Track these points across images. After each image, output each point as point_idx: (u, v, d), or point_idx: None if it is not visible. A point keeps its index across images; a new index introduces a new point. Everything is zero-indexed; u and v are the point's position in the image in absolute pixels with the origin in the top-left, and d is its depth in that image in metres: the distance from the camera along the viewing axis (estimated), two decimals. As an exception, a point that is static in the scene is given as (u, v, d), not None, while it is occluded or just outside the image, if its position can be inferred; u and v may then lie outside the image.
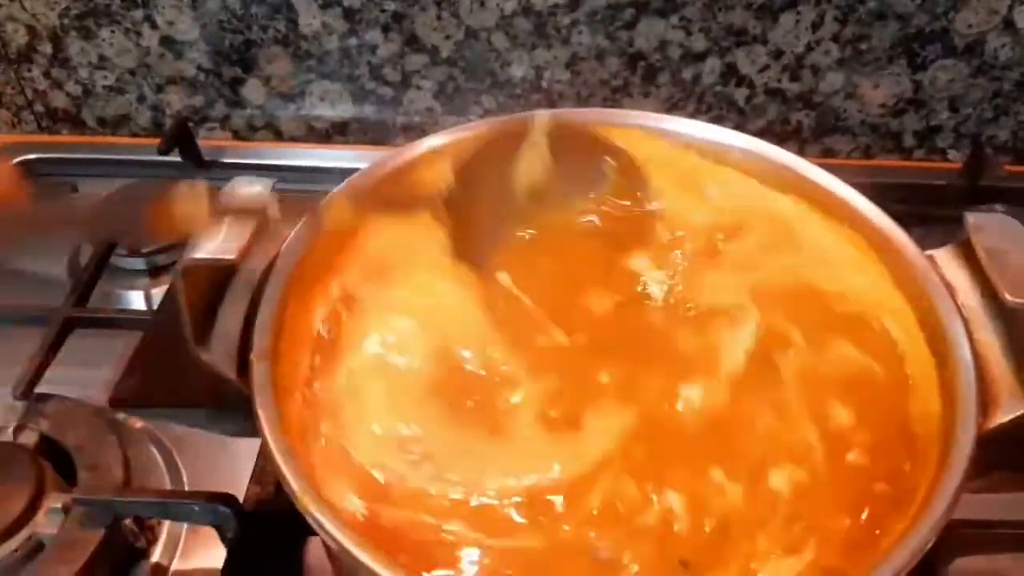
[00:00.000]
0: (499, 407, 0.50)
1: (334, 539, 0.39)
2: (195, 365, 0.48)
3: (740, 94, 0.99)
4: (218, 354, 0.46)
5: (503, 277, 0.58)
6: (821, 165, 0.59)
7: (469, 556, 0.44)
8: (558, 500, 0.46)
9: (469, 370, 0.52)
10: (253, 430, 0.46)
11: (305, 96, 1.00)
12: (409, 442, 0.48)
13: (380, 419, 0.48)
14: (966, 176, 0.97)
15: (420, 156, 0.59)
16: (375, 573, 0.38)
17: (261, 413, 0.43)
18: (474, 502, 0.45)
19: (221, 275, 0.47)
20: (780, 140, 0.87)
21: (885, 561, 0.40)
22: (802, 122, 1.01)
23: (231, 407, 0.49)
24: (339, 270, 0.55)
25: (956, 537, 0.60)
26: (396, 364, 0.51)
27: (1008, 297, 0.43)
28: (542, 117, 0.60)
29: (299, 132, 1.03)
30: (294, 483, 0.41)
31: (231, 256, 0.44)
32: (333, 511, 0.41)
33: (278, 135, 1.03)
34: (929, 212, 0.70)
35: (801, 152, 0.67)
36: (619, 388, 0.52)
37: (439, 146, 0.60)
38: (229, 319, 0.47)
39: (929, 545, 0.40)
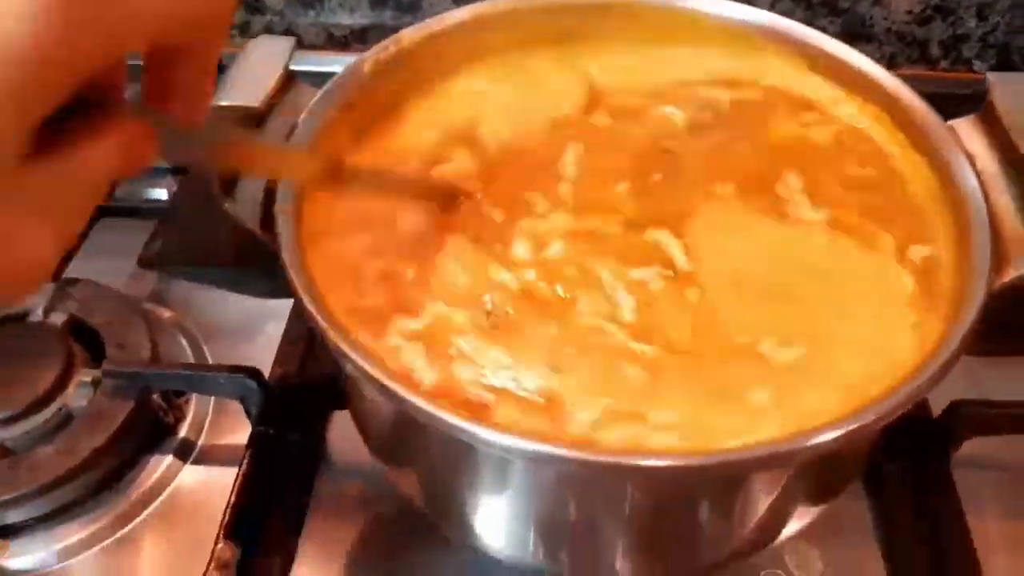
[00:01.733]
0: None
1: (361, 370, 0.40)
2: (222, 226, 0.49)
3: (764, 1, 0.97)
4: (243, 206, 0.47)
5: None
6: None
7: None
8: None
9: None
10: (278, 291, 0.47)
11: (324, 2, 0.99)
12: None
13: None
14: (992, 86, 0.95)
15: (458, 22, 0.59)
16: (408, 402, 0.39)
17: (286, 259, 0.44)
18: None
19: (247, 124, 0.48)
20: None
21: (877, 402, 0.40)
22: (827, 28, 0.99)
23: (257, 268, 0.50)
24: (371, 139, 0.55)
25: (966, 416, 0.61)
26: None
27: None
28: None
29: (318, 39, 1.03)
30: (319, 318, 0.42)
31: (255, 103, 0.45)
32: (357, 344, 0.41)
33: (298, 42, 1.03)
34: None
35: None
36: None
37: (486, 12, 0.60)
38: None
39: (930, 388, 0.41)
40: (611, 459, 0.39)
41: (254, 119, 0.48)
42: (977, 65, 1.02)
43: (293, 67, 0.53)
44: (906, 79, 0.99)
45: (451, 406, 0.40)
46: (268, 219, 0.48)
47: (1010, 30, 0.99)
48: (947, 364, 0.42)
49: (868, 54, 1.00)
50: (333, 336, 0.41)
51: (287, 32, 1.02)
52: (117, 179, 0.34)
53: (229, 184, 0.48)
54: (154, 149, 0.33)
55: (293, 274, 0.43)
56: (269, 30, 1.02)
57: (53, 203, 0.29)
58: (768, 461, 0.41)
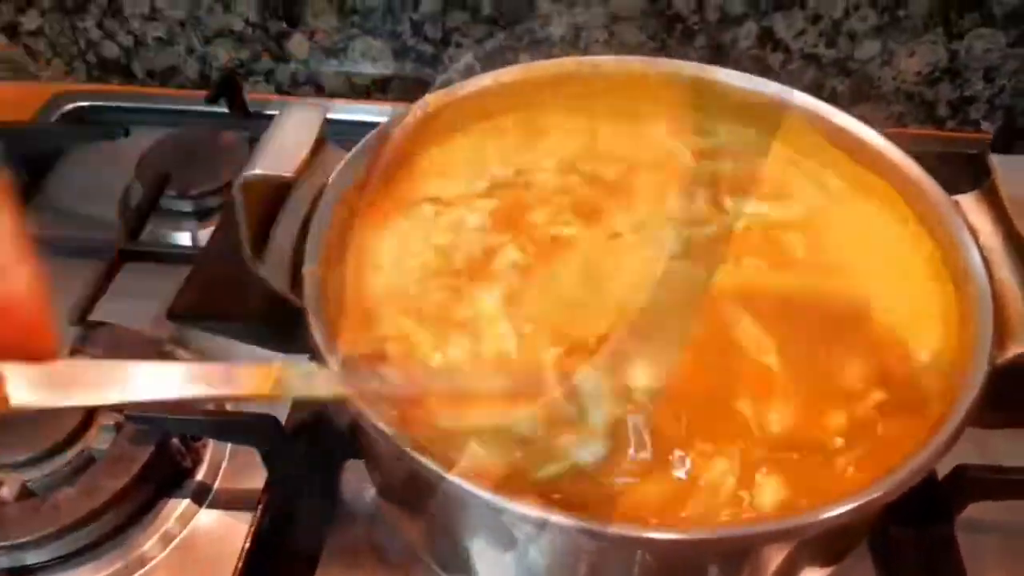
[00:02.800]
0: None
1: (379, 431, 0.42)
2: (250, 283, 0.50)
3: (775, 59, 1.00)
4: (272, 267, 0.49)
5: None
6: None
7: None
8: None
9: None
10: (303, 348, 0.48)
11: (347, 52, 1.02)
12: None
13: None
14: (998, 147, 0.97)
15: (479, 89, 0.62)
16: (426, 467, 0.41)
17: (312, 321, 0.46)
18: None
19: (278, 192, 0.50)
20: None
21: (890, 475, 0.42)
22: (837, 88, 1.02)
23: (284, 326, 0.51)
24: (394, 189, 0.58)
25: (970, 480, 0.62)
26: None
27: (1026, 230, 0.45)
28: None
29: (341, 88, 1.06)
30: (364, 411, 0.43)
31: (288, 173, 0.47)
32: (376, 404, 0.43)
33: (320, 90, 1.06)
34: (960, 182, 0.71)
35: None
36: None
37: (500, 82, 0.63)
38: (284, 234, 0.50)
39: (935, 462, 0.42)
40: (620, 531, 0.41)
41: (282, 188, 0.50)
42: (984, 126, 1.04)
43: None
44: (914, 139, 1.03)
45: (479, 478, 0.41)
46: (297, 279, 0.50)
47: (1016, 92, 1.01)
48: (951, 439, 0.43)
49: (876, 114, 1.04)
50: (375, 421, 0.43)
51: (309, 80, 1.05)
52: None
53: (260, 244, 0.50)
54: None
55: (320, 343, 0.45)
56: (294, 79, 1.05)
57: None
58: (774, 537, 0.42)
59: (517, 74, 0.63)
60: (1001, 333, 0.47)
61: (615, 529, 0.40)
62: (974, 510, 0.64)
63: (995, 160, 0.50)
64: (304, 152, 0.48)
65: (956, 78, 1.01)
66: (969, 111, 1.04)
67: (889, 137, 0.60)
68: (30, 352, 0.31)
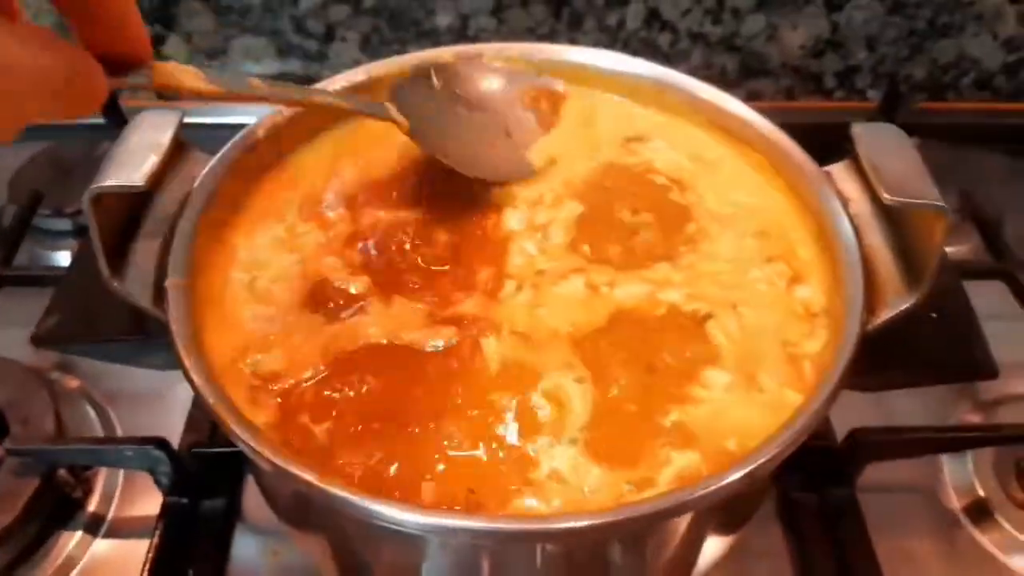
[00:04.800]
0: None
1: (250, 448, 0.40)
2: (115, 301, 0.48)
3: (664, 39, 1.00)
4: (132, 283, 0.46)
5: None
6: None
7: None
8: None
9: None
10: (172, 362, 0.46)
11: (228, 52, 0.99)
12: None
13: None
14: (883, 114, 1.00)
15: (341, 89, 0.60)
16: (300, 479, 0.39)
17: (176, 339, 0.44)
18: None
19: (133, 204, 0.48)
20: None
21: (766, 444, 0.42)
22: (726, 66, 1.03)
23: (155, 340, 0.49)
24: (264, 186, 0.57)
25: (865, 443, 0.64)
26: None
27: (886, 196, 0.45)
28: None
29: (226, 90, 1.02)
30: (208, 395, 0.41)
31: (140, 183, 0.44)
32: (243, 420, 0.41)
33: (202, 94, 1.02)
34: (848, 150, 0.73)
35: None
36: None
37: (360, 80, 0.61)
38: (145, 247, 0.48)
39: (811, 428, 0.42)
40: (512, 527, 0.40)
41: (140, 198, 0.48)
42: (870, 94, 1.07)
43: (195, 120, 0.53)
44: (803, 111, 1.05)
45: (344, 484, 0.39)
46: (159, 292, 0.47)
47: (898, 60, 1.04)
48: (826, 403, 0.43)
49: (766, 88, 1.06)
50: (230, 426, 0.41)
51: (194, 85, 1.01)
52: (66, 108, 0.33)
53: (118, 260, 0.47)
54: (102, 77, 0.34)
55: (185, 358, 0.43)
56: (175, 84, 1.01)
57: None
58: (666, 513, 0.42)
59: (390, 67, 0.61)
60: (872, 298, 0.48)
61: (499, 524, 0.40)
62: (876, 471, 0.66)
63: (856, 129, 0.50)
64: (156, 160, 0.46)
65: (839, 49, 1.03)
66: (855, 80, 1.06)
67: (773, 109, 0.60)
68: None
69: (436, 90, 0.60)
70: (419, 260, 0.53)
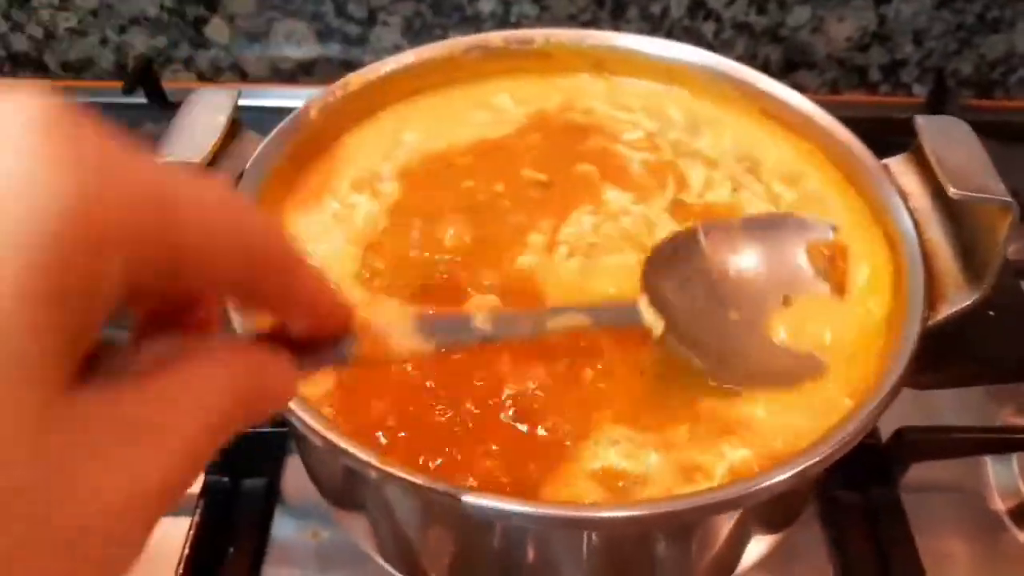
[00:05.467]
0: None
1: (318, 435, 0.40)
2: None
3: (708, 28, 0.99)
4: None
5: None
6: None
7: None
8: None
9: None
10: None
11: (270, 35, 0.99)
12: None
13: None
14: (929, 109, 0.98)
15: (391, 72, 0.60)
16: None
17: (232, 314, 0.44)
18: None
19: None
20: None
21: (824, 441, 0.41)
22: (770, 56, 1.02)
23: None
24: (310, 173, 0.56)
25: (910, 442, 0.63)
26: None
27: (952, 189, 0.45)
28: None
29: (264, 73, 1.03)
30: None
31: (198, 159, 0.44)
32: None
33: (243, 76, 1.03)
34: (894, 146, 0.72)
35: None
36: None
37: (411, 62, 0.61)
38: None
39: (870, 426, 0.42)
40: (562, 513, 0.40)
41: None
42: (916, 89, 1.05)
43: (244, 102, 0.53)
44: (847, 105, 1.04)
45: (402, 464, 0.39)
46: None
47: (945, 54, 1.02)
48: (885, 400, 0.43)
49: (810, 81, 1.04)
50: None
51: (232, 67, 1.02)
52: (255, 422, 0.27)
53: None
54: (291, 376, 0.28)
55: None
56: (215, 65, 1.02)
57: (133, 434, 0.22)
58: (715, 508, 0.42)
59: (439, 50, 0.61)
60: (932, 294, 0.47)
61: (556, 512, 0.39)
62: (920, 470, 0.65)
63: (920, 121, 0.49)
64: (215, 137, 0.46)
65: (886, 42, 1.01)
66: (901, 75, 1.04)
67: (818, 102, 0.59)
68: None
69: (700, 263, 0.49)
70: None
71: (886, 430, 0.65)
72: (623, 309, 0.45)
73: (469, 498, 0.38)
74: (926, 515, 0.65)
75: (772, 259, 0.50)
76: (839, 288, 0.50)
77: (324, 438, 0.40)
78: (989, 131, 0.95)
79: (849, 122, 0.58)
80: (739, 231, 0.50)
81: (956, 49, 1.01)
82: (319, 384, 0.45)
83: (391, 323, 0.34)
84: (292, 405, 0.41)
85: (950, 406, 0.71)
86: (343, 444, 0.39)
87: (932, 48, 1.01)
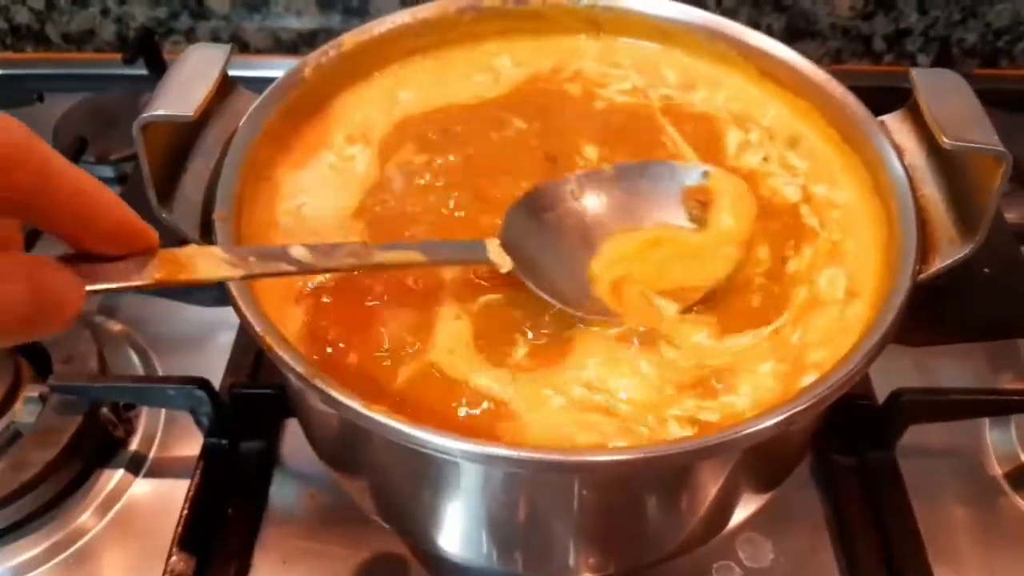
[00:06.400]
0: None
1: (297, 375, 0.40)
2: (164, 232, 0.48)
3: (710, -3, 0.98)
4: (180, 214, 0.47)
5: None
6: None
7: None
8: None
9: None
10: (223, 299, 0.46)
11: (270, 5, 0.99)
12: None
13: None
14: (934, 78, 0.97)
15: (386, 32, 0.60)
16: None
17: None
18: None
19: (182, 135, 0.48)
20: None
21: (810, 389, 0.41)
22: (772, 25, 1.01)
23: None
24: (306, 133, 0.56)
25: (907, 404, 0.62)
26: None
27: (945, 140, 0.44)
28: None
29: (266, 44, 1.02)
30: (255, 324, 0.42)
31: (189, 113, 0.44)
32: (294, 351, 0.42)
33: (244, 48, 1.03)
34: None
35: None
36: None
37: (407, 22, 0.61)
38: (193, 179, 0.48)
39: (860, 372, 0.42)
40: (552, 457, 0.40)
41: (191, 128, 0.48)
42: (921, 59, 1.04)
43: (237, 73, 0.53)
44: (851, 74, 1.03)
45: (390, 412, 0.40)
46: (207, 225, 0.48)
47: (950, 23, 1.01)
48: (873, 351, 0.43)
49: (813, 50, 1.04)
50: (278, 353, 0.41)
51: (233, 37, 1.02)
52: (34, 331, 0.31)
53: (166, 191, 0.48)
54: (73, 290, 0.32)
55: (234, 288, 0.43)
56: (216, 36, 1.02)
57: None
58: (706, 452, 0.42)
59: (434, 10, 0.61)
60: (925, 247, 0.47)
61: (546, 456, 0.40)
62: (918, 433, 0.65)
63: (915, 74, 0.49)
64: (206, 91, 0.46)
65: (890, 11, 1.00)
66: (905, 44, 1.03)
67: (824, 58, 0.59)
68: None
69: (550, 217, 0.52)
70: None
71: (882, 392, 0.65)
72: (461, 247, 0.48)
73: (453, 442, 0.38)
74: (923, 479, 0.65)
75: (643, 204, 0.52)
76: (704, 225, 0.52)
77: (315, 386, 0.40)
78: (994, 100, 0.94)
79: (852, 91, 0.57)
80: (612, 179, 0.53)
81: (961, 18, 1.00)
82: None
83: (197, 251, 0.38)
84: (284, 356, 0.41)
85: (948, 369, 0.71)
86: (329, 390, 0.40)
87: (937, 17, 1.00)
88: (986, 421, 0.69)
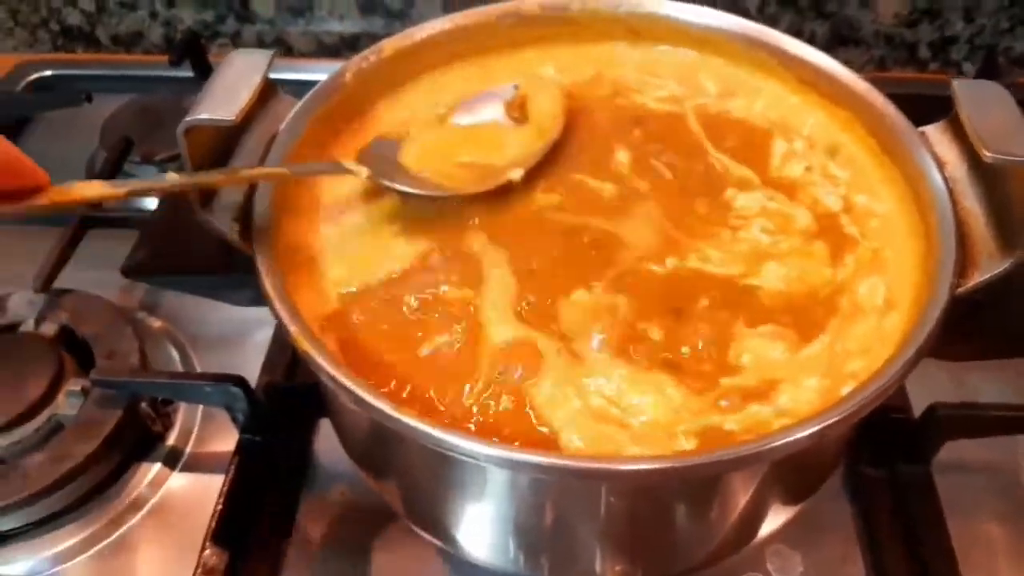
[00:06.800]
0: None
1: (327, 373, 0.41)
2: (202, 235, 0.49)
3: (752, 3, 0.98)
4: (221, 216, 0.48)
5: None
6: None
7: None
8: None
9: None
10: (259, 299, 0.47)
11: (314, 9, 1.00)
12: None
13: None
14: (979, 88, 0.95)
15: (426, 38, 0.60)
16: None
17: (262, 268, 0.45)
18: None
19: (224, 137, 0.49)
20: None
21: (842, 403, 0.41)
22: (816, 32, 1.00)
23: (239, 276, 0.50)
24: (345, 139, 0.57)
25: (943, 418, 0.61)
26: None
27: (986, 153, 0.44)
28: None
29: (309, 48, 1.04)
30: (289, 323, 0.42)
31: (230, 117, 0.45)
32: (320, 345, 0.42)
33: (288, 51, 1.04)
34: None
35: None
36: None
37: (447, 28, 0.61)
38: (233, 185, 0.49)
39: (894, 386, 0.41)
40: (582, 464, 0.40)
41: (233, 132, 0.49)
42: (966, 67, 1.03)
43: (280, 76, 0.54)
44: (895, 82, 1.01)
45: (421, 415, 0.40)
46: (247, 229, 0.49)
47: (996, 31, 0.99)
48: (908, 364, 0.42)
49: (857, 57, 1.02)
50: (307, 347, 0.42)
51: (278, 41, 1.03)
52: None
53: (208, 194, 0.49)
54: None
55: (268, 285, 0.44)
56: (260, 39, 1.04)
57: None
58: (737, 463, 0.41)
59: (474, 17, 0.61)
60: (964, 261, 0.46)
61: (576, 463, 0.40)
62: (955, 449, 0.64)
63: (957, 85, 0.48)
64: (248, 96, 0.47)
65: (936, 19, 0.99)
66: (950, 52, 1.02)
67: (865, 80, 0.59)
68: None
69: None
70: None
71: (919, 406, 0.64)
72: (322, 164, 0.55)
73: (483, 447, 0.39)
74: (958, 495, 0.64)
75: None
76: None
77: (344, 386, 0.41)
78: (1041, 110, 0.93)
79: (896, 99, 0.56)
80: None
81: (1009, 26, 0.98)
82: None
83: (82, 183, 0.43)
84: (317, 358, 0.42)
85: (987, 384, 0.69)
86: (358, 390, 0.40)
87: (983, 25, 0.98)
88: (1022, 436, 0.67)
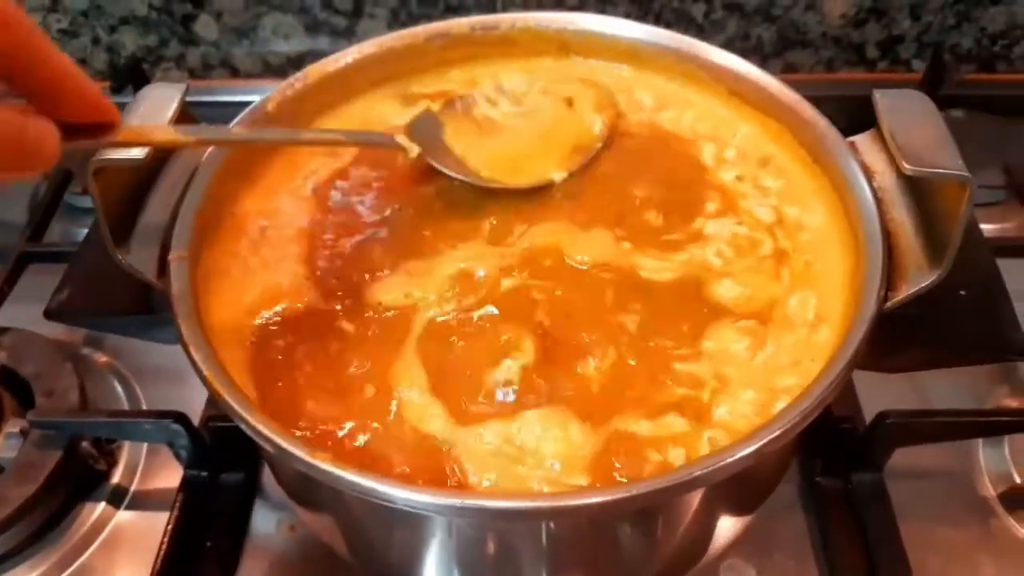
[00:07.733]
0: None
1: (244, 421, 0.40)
2: (125, 274, 0.48)
3: (698, 9, 0.97)
4: (138, 257, 0.47)
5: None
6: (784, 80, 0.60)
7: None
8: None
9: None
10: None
11: (258, 30, 0.99)
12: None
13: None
14: (927, 85, 0.96)
15: (352, 62, 0.59)
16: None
17: (177, 309, 0.44)
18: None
19: (138, 177, 0.48)
20: (741, 56, 0.86)
21: (772, 422, 0.40)
22: (763, 36, 1.00)
23: (164, 315, 0.49)
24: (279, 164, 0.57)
25: (892, 426, 0.61)
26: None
27: (905, 165, 0.43)
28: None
29: (255, 69, 1.03)
30: (204, 367, 0.41)
31: (140, 157, 0.44)
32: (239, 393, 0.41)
33: (234, 73, 1.03)
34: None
35: (763, 67, 0.66)
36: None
37: (373, 52, 0.60)
38: (150, 222, 0.48)
39: (822, 406, 0.40)
40: (500, 505, 0.39)
41: (146, 172, 0.48)
42: (915, 64, 1.03)
43: (227, 99, 0.54)
44: (844, 84, 1.01)
45: (339, 461, 0.39)
46: (165, 266, 0.47)
47: (943, 29, 0.99)
48: (838, 380, 0.41)
49: (805, 60, 1.02)
50: (226, 399, 0.41)
51: (223, 63, 1.02)
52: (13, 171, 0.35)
53: (124, 234, 0.48)
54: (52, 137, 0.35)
55: (185, 332, 0.43)
56: (205, 62, 1.02)
57: None
58: (672, 491, 0.41)
59: (402, 39, 0.60)
60: (893, 274, 0.45)
61: (488, 502, 0.39)
62: (906, 456, 0.63)
63: (879, 97, 0.48)
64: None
65: (882, 18, 0.99)
66: (899, 51, 1.02)
67: (813, 81, 0.58)
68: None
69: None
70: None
71: (872, 411, 0.64)
72: (376, 136, 0.56)
73: (397, 491, 0.38)
74: (914, 500, 0.64)
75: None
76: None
77: (259, 432, 0.40)
78: (990, 106, 0.93)
79: (844, 100, 0.56)
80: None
81: (955, 23, 0.98)
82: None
83: (155, 125, 0.45)
84: (232, 403, 0.41)
85: (940, 390, 0.69)
86: (274, 437, 0.39)
87: (930, 22, 0.99)
88: (979, 440, 0.67)
